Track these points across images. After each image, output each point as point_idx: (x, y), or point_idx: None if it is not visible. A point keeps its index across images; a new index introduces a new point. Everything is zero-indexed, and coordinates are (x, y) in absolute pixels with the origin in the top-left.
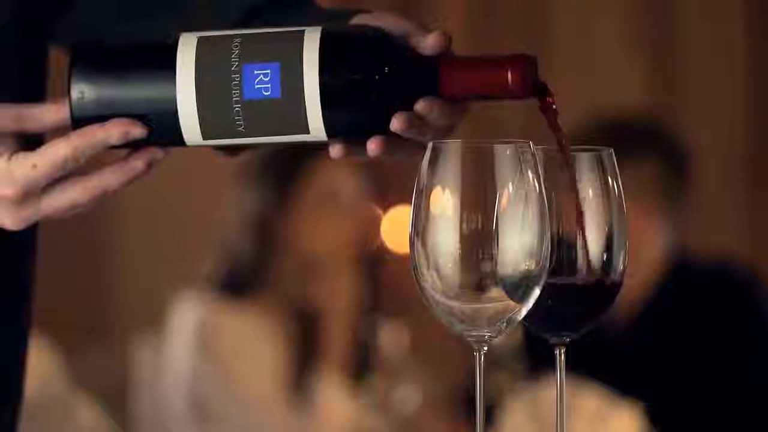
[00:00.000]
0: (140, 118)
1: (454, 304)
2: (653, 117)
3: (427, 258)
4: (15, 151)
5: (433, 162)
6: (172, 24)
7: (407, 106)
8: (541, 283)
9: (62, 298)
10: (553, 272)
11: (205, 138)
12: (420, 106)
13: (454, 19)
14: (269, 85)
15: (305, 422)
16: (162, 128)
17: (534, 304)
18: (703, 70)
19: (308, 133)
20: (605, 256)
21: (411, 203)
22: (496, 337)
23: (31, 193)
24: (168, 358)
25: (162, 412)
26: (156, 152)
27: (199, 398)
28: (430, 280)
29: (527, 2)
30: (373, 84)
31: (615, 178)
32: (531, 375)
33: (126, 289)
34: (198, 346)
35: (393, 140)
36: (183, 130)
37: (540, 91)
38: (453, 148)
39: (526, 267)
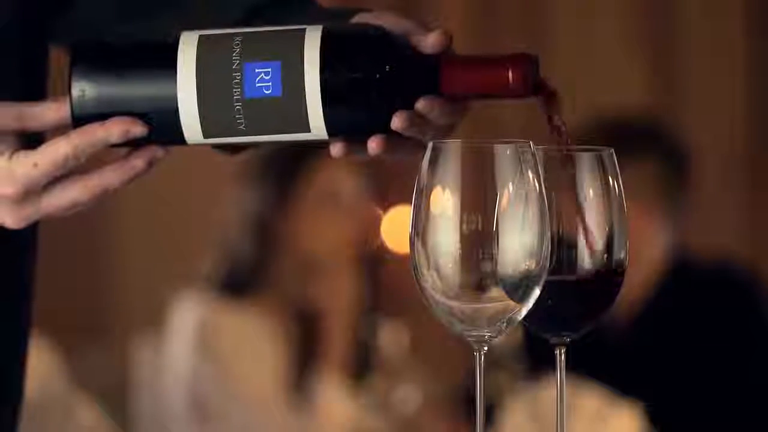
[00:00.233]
0: (141, 116)
1: (454, 304)
2: (653, 117)
3: (427, 258)
4: (16, 150)
5: (433, 162)
6: (172, 23)
7: (408, 105)
8: (541, 283)
9: (62, 298)
10: (553, 272)
11: (205, 136)
12: (421, 104)
13: (454, 19)
14: (270, 84)
15: (305, 422)
16: (163, 127)
17: (534, 304)
18: (703, 70)
19: (309, 131)
20: (605, 256)
21: (411, 203)
22: (496, 337)
23: (31, 192)
24: (168, 357)
25: (162, 412)
26: (157, 151)
27: (199, 398)
28: (430, 280)
29: (527, 2)
30: (374, 83)
31: (615, 178)
32: (531, 375)
33: (126, 288)
34: (198, 346)
35: (394, 139)
36: (184, 129)
37: (542, 91)
38: (453, 148)
39: (526, 267)
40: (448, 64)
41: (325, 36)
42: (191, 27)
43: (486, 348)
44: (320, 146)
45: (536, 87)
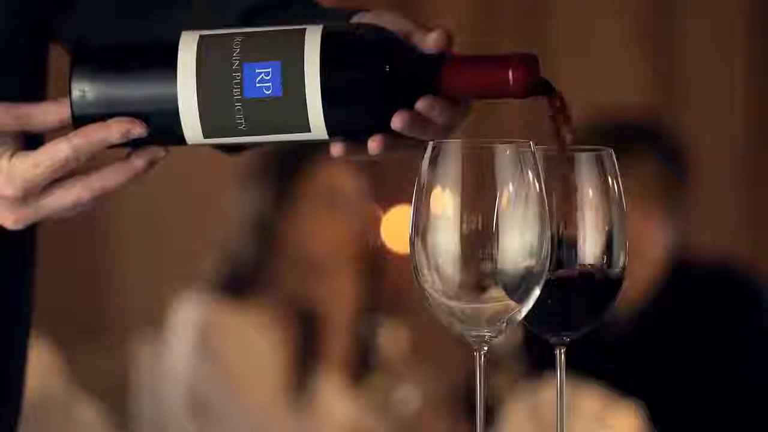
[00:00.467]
0: (141, 117)
1: (454, 304)
2: (653, 117)
3: (427, 258)
4: (16, 151)
5: (433, 162)
6: (173, 22)
7: (408, 105)
8: (541, 283)
9: (63, 299)
10: (553, 272)
11: (206, 137)
12: (421, 104)
13: (454, 19)
14: (270, 84)
15: (305, 422)
16: (163, 127)
17: (534, 304)
18: (703, 70)
19: (309, 131)
20: (605, 256)
21: (411, 203)
22: (496, 337)
23: (31, 193)
24: (168, 358)
25: (162, 412)
26: (157, 151)
27: (199, 398)
28: (430, 280)
29: (527, 2)
30: (374, 83)
31: (615, 177)
32: (531, 375)
33: (126, 289)
34: (198, 346)
35: (394, 139)
36: (184, 129)
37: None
38: (453, 148)
39: (526, 267)
40: (449, 64)
41: (326, 36)
42: (192, 26)
43: (486, 348)
44: (320, 146)
45: (541, 89)
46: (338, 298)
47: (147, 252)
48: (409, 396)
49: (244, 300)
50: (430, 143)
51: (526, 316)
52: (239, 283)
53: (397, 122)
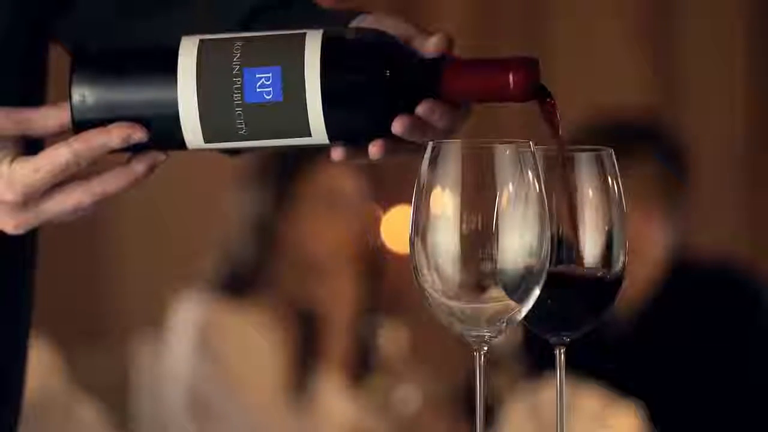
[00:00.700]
0: (141, 121)
1: (454, 304)
2: (653, 117)
3: (427, 258)
4: (16, 155)
5: (433, 162)
6: (173, 23)
7: (409, 109)
8: (541, 283)
9: (63, 299)
10: (552, 271)
11: (206, 141)
12: (421, 109)
13: (455, 22)
14: (271, 89)
15: (305, 422)
16: (163, 132)
17: (534, 304)
18: (703, 70)
19: (310, 136)
20: (605, 256)
21: (411, 203)
22: (496, 337)
23: (32, 198)
24: (168, 358)
25: (162, 412)
26: (157, 156)
27: (199, 398)
28: (430, 280)
29: (527, 3)
30: (375, 87)
31: (615, 178)
32: (531, 375)
33: (126, 289)
34: (198, 346)
35: (395, 143)
36: (184, 134)
37: (539, 94)
38: (453, 148)
39: (526, 267)
40: (449, 68)
41: (326, 40)
42: (192, 25)
43: (486, 348)
44: (320, 148)
45: (538, 93)
46: (338, 299)
47: (147, 252)
48: (409, 396)
49: (244, 300)
50: (430, 143)
51: (526, 316)
52: (239, 283)
53: (397, 127)
